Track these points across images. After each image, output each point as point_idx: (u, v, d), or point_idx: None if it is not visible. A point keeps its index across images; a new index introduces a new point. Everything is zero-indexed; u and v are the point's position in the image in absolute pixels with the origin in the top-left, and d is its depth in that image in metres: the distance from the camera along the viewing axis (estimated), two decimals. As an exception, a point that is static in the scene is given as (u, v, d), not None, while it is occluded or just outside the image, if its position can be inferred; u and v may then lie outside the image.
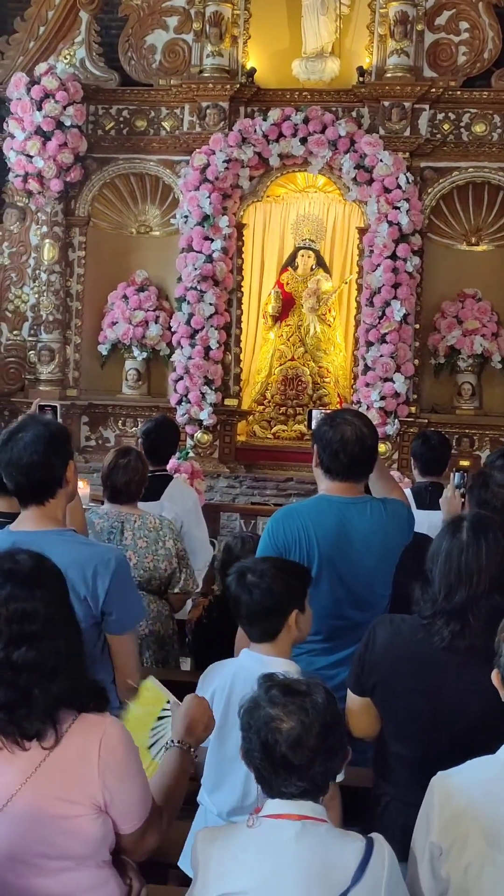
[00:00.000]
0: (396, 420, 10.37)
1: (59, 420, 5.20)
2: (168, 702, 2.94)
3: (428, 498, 5.63)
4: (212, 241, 10.57)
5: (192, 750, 2.77)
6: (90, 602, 3.40)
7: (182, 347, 10.70)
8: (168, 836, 3.47)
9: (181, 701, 2.89)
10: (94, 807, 2.36)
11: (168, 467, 6.58)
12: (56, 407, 4.78)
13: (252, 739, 2.38)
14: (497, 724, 2.47)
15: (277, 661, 3.32)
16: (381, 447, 10.18)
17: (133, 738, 2.50)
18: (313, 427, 4.03)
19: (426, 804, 2.45)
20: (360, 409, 10.16)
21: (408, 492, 5.12)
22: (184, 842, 3.36)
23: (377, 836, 2.35)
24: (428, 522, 5.20)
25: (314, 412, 4.24)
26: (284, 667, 3.29)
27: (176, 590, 5.17)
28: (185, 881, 3.45)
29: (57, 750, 2.34)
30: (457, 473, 5.28)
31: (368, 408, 10.24)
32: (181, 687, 3.39)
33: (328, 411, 4.18)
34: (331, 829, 2.35)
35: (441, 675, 2.83)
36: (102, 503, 5.22)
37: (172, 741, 2.75)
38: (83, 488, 7.55)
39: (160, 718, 2.92)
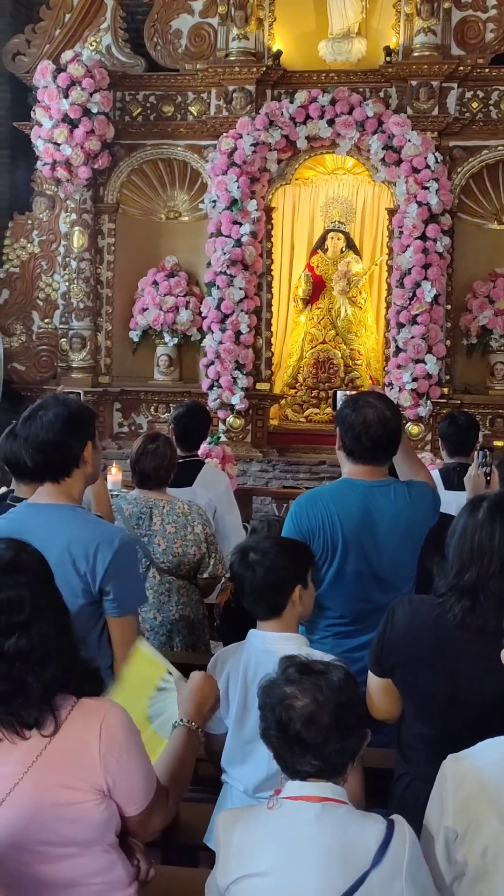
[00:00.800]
0: (429, 401, 10.33)
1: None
2: (169, 672, 2.90)
3: (456, 479, 5.60)
4: (240, 225, 10.55)
5: (200, 730, 2.78)
6: (89, 577, 3.43)
7: (213, 332, 10.71)
8: (196, 818, 3.52)
9: (181, 675, 2.88)
10: (97, 792, 2.36)
11: (199, 452, 6.59)
12: (80, 394, 4.81)
13: (268, 717, 2.40)
14: None
15: (286, 635, 3.35)
16: (415, 429, 10.18)
17: (128, 705, 2.49)
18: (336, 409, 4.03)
19: (438, 788, 2.45)
20: (392, 391, 10.15)
21: (436, 473, 5.13)
22: (209, 822, 3.40)
23: (398, 818, 2.35)
24: (456, 503, 5.12)
25: (339, 394, 4.23)
26: (293, 641, 3.33)
27: (205, 574, 5.19)
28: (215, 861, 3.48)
29: (57, 737, 2.33)
30: (480, 452, 5.27)
31: (401, 389, 10.21)
32: (210, 671, 3.43)
33: (353, 393, 4.17)
34: (351, 810, 2.36)
35: (458, 654, 2.83)
36: (132, 489, 5.25)
37: (181, 720, 2.74)
38: (115, 474, 7.60)
39: (160, 689, 2.89)
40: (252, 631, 3.45)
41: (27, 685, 2.30)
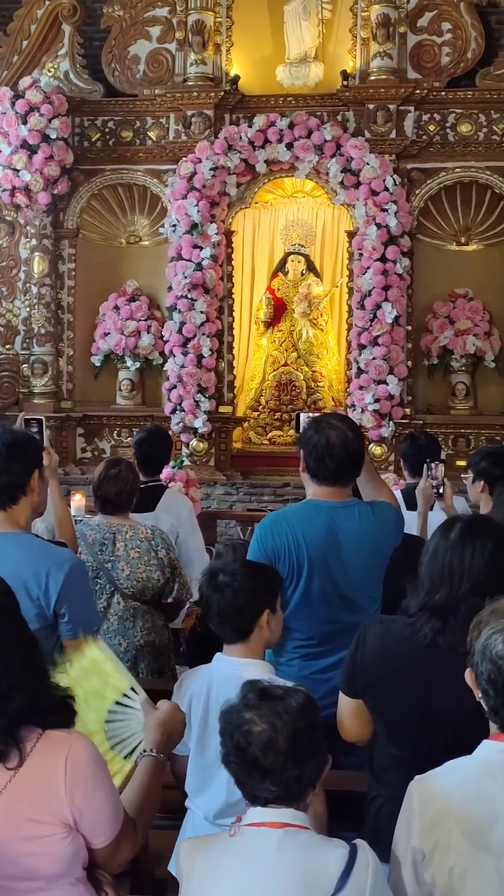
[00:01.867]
0: (391, 422, 10.37)
1: (46, 432, 5.22)
2: (133, 690, 2.84)
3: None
4: (201, 248, 10.57)
5: (164, 757, 2.75)
6: (42, 601, 3.44)
7: (175, 356, 10.70)
8: (164, 847, 3.49)
9: (148, 698, 2.83)
10: (63, 825, 2.32)
11: (162, 477, 6.56)
12: (42, 420, 4.79)
13: (227, 743, 2.38)
14: (480, 723, 2.46)
15: (250, 662, 3.34)
16: (377, 450, 10.21)
17: (79, 708, 2.45)
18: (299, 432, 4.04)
19: (405, 809, 2.43)
20: (355, 413, 10.18)
21: (398, 493, 5.13)
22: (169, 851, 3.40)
23: (361, 843, 2.33)
24: (417, 523, 5.21)
25: (302, 416, 4.24)
26: (257, 668, 3.31)
27: (170, 599, 5.16)
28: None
29: (22, 770, 2.29)
30: (431, 464, 5.31)
31: (363, 410, 10.24)
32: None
33: (315, 415, 4.18)
34: (312, 836, 2.34)
35: (429, 674, 2.82)
36: (95, 514, 5.22)
37: (146, 750, 2.71)
38: (78, 500, 7.54)
39: (121, 705, 2.82)
40: (218, 655, 3.43)
41: None
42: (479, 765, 2.39)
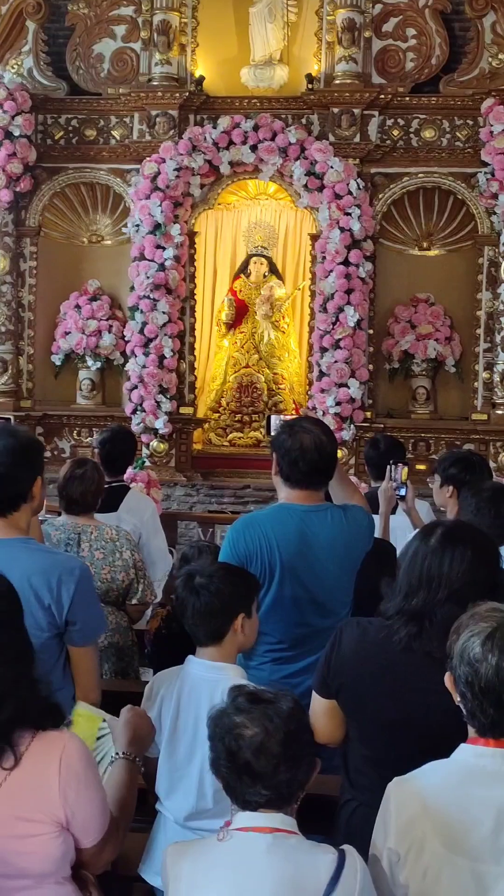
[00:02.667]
0: (352, 425, 10.40)
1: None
2: (104, 720, 2.93)
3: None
4: (164, 249, 10.54)
5: (138, 759, 2.79)
6: (54, 610, 3.38)
7: (136, 356, 10.66)
8: (130, 848, 3.47)
9: (116, 715, 2.89)
10: (55, 824, 2.34)
11: (125, 477, 6.53)
12: (9, 419, 4.74)
13: (218, 747, 2.38)
14: (458, 726, 2.46)
15: (222, 665, 3.33)
16: (338, 453, 10.20)
17: None
18: (272, 434, 4.02)
19: (383, 810, 2.44)
20: (316, 415, 10.18)
21: (361, 497, 5.13)
22: (143, 852, 3.37)
23: (349, 849, 2.34)
24: (379, 527, 5.22)
25: (273, 418, 4.23)
26: (229, 671, 3.31)
27: (134, 601, 5.15)
28: (151, 893, 3.43)
29: (16, 770, 2.30)
30: (392, 466, 5.33)
31: (324, 413, 10.25)
32: (142, 697, 3.39)
33: (287, 417, 4.17)
34: (302, 841, 2.34)
35: (403, 677, 2.82)
36: (59, 514, 5.18)
37: (118, 753, 2.74)
38: (40, 500, 7.49)
39: (99, 738, 2.91)
40: (190, 657, 3.42)
41: None
42: (456, 768, 2.40)
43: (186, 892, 2.32)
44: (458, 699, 2.41)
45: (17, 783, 2.30)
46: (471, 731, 2.42)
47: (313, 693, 3.05)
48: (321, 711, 3.03)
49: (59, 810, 2.33)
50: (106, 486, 5.40)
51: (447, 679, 2.44)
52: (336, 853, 2.31)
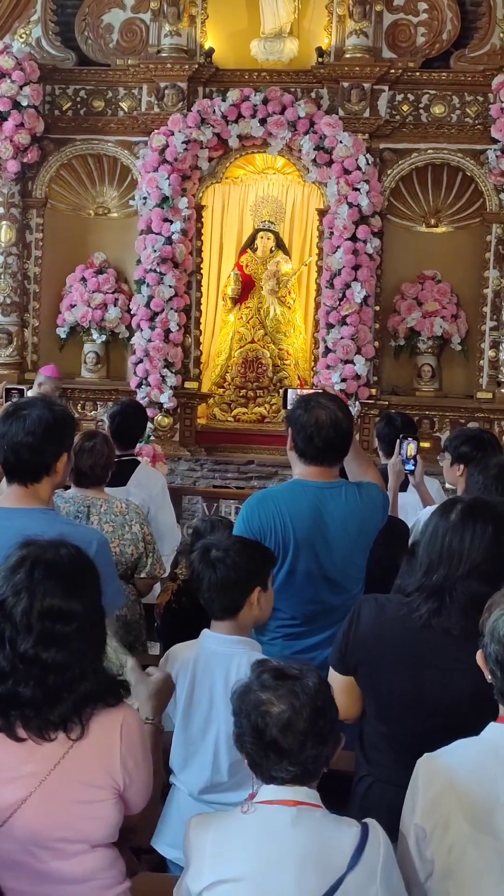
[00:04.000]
0: (357, 402, 10.36)
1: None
2: (128, 664, 2.95)
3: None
4: (171, 222, 10.48)
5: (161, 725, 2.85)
6: None
7: (141, 330, 10.62)
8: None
9: (137, 664, 2.92)
10: (114, 790, 2.43)
11: (134, 452, 6.53)
12: (23, 390, 4.73)
13: (243, 724, 2.38)
14: (482, 704, 2.47)
15: (238, 639, 3.34)
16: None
17: None
18: (288, 409, 4.01)
19: (412, 786, 2.46)
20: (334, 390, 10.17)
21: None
22: (155, 824, 3.37)
23: (372, 822, 2.35)
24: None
25: (290, 392, 4.21)
26: (245, 645, 3.31)
27: (143, 574, 5.17)
28: (160, 865, 3.45)
29: (82, 740, 2.39)
30: (403, 441, 5.32)
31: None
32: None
33: (304, 392, 4.15)
34: (326, 814, 2.35)
35: (423, 653, 2.83)
36: (68, 487, 5.18)
37: (147, 719, 2.77)
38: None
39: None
40: (205, 631, 3.43)
41: (61, 698, 2.36)
42: (485, 746, 2.41)
43: (210, 865, 2.33)
44: (490, 677, 2.41)
45: (83, 751, 2.40)
46: (501, 709, 2.42)
47: (330, 669, 3.06)
48: (338, 688, 3.03)
49: (119, 777, 2.43)
50: (116, 459, 5.41)
51: (479, 656, 2.44)
52: (359, 826, 2.32)
